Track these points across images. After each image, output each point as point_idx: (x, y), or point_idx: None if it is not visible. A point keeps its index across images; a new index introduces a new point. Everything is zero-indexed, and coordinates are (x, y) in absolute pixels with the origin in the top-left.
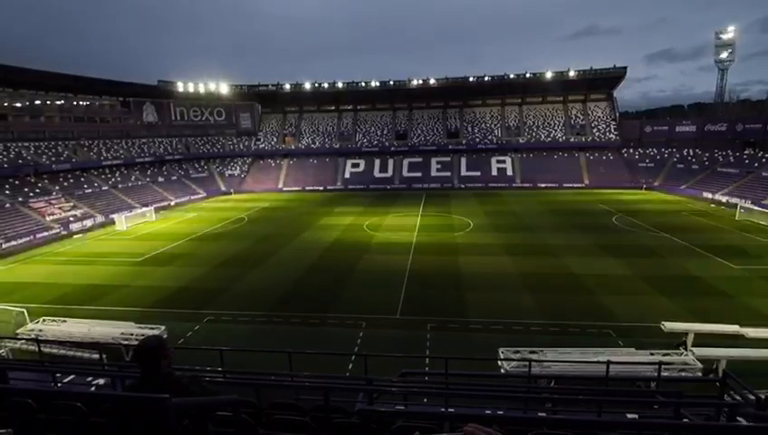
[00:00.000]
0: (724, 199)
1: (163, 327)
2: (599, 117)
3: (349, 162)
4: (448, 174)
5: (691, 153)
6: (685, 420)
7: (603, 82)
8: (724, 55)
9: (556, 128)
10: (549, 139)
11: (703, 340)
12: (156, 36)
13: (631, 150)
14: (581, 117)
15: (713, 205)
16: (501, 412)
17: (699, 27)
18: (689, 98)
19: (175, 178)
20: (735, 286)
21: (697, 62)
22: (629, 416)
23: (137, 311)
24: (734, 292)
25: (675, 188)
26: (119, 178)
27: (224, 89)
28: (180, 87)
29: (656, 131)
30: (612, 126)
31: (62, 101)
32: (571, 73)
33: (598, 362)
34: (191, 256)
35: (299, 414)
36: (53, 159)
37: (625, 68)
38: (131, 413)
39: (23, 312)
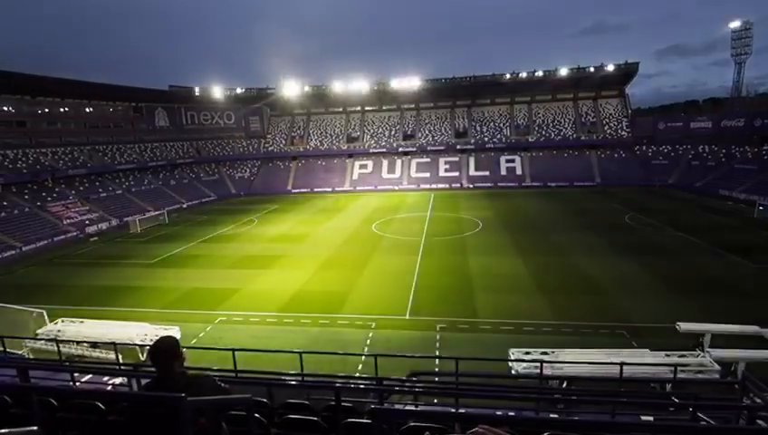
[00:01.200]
0: (741, 196)
1: (177, 328)
2: (610, 114)
3: (357, 163)
4: (457, 174)
5: (706, 150)
6: (702, 423)
7: (615, 78)
8: (739, 48)
9: (566, 126)
10: (559, 137)
11: (720, 341)
12: (166, 41)
13: (644, 148)
14: (592, 114)
15: (729, 202)
16: (512, 413)
17: (710, 21)
18: (704, 93)
19: (186, 181)
20: (755, 286)
21: (710, 56)
22: (644, 418)
23: (151, 312)
24: (753, 291)
25: (690, 185)
26: (132, 182)
27: (233, 92)
28: (191, 92)
29: (669, 128)
30: (624, 123)
31: (78, 108)
32: (582, 70)
33: (611, 364)
34: (203, 258)
35: (310, 414)
36: (69, 164)
37: (637, 63)
38: (149, 412)
39: (42, 313)
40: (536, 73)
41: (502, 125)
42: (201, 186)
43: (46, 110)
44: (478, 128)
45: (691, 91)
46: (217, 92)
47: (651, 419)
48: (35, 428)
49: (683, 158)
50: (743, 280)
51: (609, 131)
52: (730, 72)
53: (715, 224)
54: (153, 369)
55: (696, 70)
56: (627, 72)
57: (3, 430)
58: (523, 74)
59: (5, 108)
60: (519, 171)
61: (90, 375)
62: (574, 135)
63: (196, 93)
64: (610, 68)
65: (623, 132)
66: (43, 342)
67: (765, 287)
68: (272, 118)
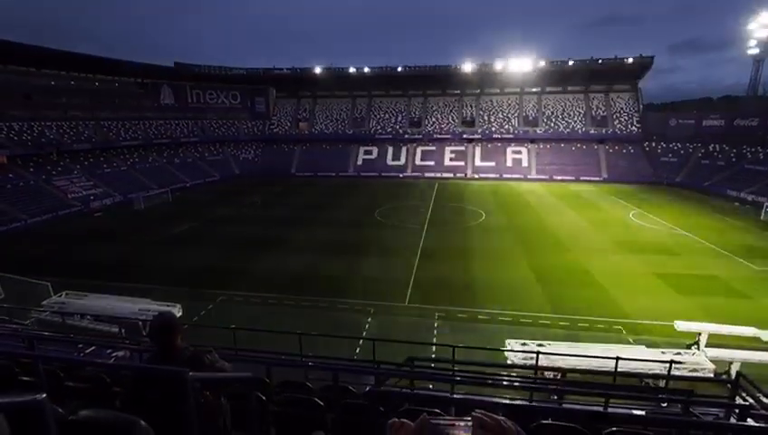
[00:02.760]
0: (749, 198)
1: (178, 305)
2: (621, 108)
3: (362, 149)
4: (462, 163)
5: (717, 148)
6: (693, 418)
7: (628, 71)
8: (760, 46)
9: (576, 119)
10: (568, 130)
11: (717, 341)
12: (172, 17)
13: (654, 144)
14: (603, 108)
15: (736, 203)
16: (506, 401)
17: (726, 17)
18: (718, 90)
19: (190, 160)
20: (755, 288)
21: (725, 53)
22: (636, 412)
23: (153, 288)
24: (753, 293)
25: (697, 184)
26: (136, 159)
27: (239, 72)
28: (196, 69)
29: (681, 125)
30: (635, 118)
31: (83, 82)
32: (595, 62)
33: (606, 358)
34: (206, 237)
35: (308, 393)
36: (74, 138)
37: (652, 57)
38: (153, 385)
39: (47, 285)
40: (548, 64)
41: (510, 115)
42: (205, 165)
43: (51, 82)
44: (486, 117)
45: (704, 88)
46: (223, 71)
47: (643, 412)
48: (44, 395)
49: (693, 156)
50: (744, 282)
51: (618, 126)
52: (746, 70)
53: (719, 224)
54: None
55: (711, 66)
56: (641, 66)
57: (12, 397)
58: (535, 64)
59: (11, 79)
60: (525, 163)
61: (93, 347)
62: (583, 128)
63: (202, 71)
64: (624, 61)
65: (633, 128)
66: (48, 313)
67: (766, 290)
68: (277, 99)
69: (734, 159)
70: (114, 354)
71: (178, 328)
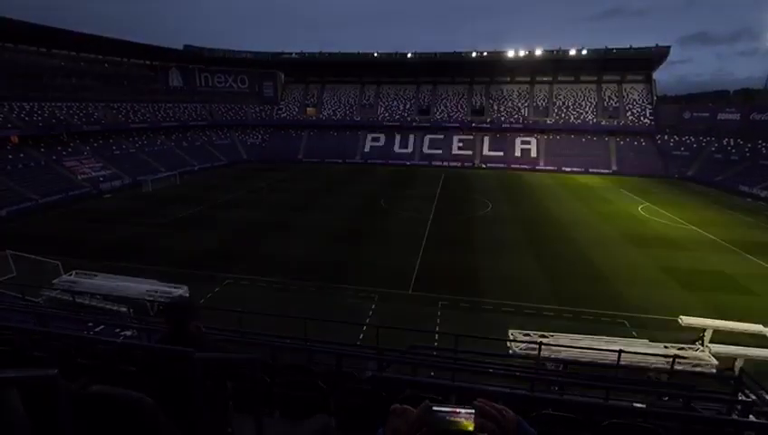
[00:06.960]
0: (762, 194)
1: (185, 287)
2: (634, 100)
3: (369, 136)
4: (470, 153)
5: (732, 143)
6: (694, 413)
7: (642, 61)
8: None
9: (587, 110)
10: (578, 121)
11: (722, 338)
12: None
13: (666, 137)
14: (615, 99)
15: (749, 199)
16: (507, 390)
17: (735, 9)
18: (730, 83)
19: (199, 143)
20: (764, 285)
21: (735, 46)
22: (637, 405)
23: (160, 270)
24: (762, 291)
25: (709, 179)
26: (145, 142)
27: (248, 56)
28: (205, 53)
29: (695, 118)
30: (648, 110)
31: (93, 63)
32: (609, 51)
33: (609, 350)
34: (213, 221)
35: (312, 377)
36: (84, 119)
37: (668, 48)
38: (160, 364)
39: (57, 264)
40: (561, 53)
41: (520, 105)
42: (213, 149)
43: (61, 63)
44: (495, 106)
45: (716, 81)
46: (232, 55)
47: (644, 406)
48: (56, 370)
49: (705, 150)
50: (752, 279)
51: (631, 118)
52: (758, 62)
53: (730, 220)
54: (166, 325)
55: (721, 59)
56: (656, 56)
57: (25, 370)
58: (547, 53)
59: (22, 59)
60: (534, 154)
61: (102, 326)
62: (594, 120)
63: (211, 55)
64: (639, 50)
65: (646, 120)
66: (58, 292)
67: None
68: (286, 85)
69: (748, 154)
70: (123, 333)
71: (193, 313)
